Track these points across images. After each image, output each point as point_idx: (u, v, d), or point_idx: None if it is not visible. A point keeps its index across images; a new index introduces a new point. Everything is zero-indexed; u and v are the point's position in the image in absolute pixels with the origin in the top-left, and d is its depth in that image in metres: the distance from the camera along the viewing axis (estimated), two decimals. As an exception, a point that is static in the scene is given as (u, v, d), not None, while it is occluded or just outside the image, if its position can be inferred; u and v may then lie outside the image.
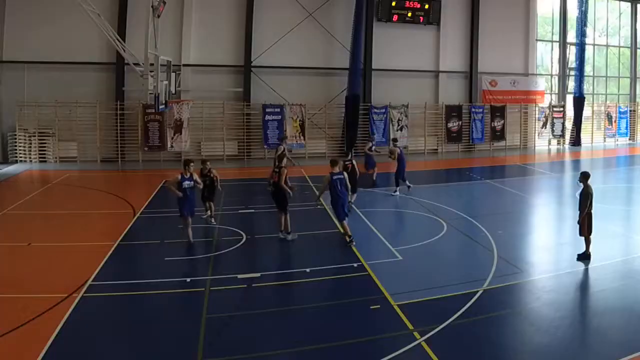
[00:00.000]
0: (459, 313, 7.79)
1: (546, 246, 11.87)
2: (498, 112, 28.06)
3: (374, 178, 17.83)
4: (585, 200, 9.97)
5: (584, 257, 10.09)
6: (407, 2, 26.15)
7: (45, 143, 22.45)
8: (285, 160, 12.28)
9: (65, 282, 8.91)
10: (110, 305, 8.42)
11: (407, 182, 16.52)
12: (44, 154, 22.45)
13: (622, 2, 32.41)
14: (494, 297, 8.53)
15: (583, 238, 10.17)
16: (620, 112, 31.66)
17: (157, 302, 8.49)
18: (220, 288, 8.88)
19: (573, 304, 8.45)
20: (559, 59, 31.18)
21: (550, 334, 7.24)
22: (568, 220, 14.21)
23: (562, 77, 31.16)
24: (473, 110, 27.61)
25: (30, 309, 7.80)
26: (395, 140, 18.19)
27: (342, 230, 11.37)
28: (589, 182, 10.09)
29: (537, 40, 29.97)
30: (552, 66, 31.60)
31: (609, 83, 33.81)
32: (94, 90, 22.70)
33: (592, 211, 10.07)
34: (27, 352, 6.65)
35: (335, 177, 11.22)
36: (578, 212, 10.16)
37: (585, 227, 10.05)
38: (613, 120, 31.59)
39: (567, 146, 30.30)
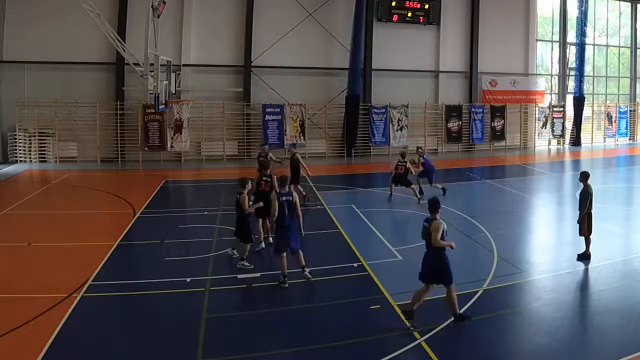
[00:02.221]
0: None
1: (546, 246, 11.87)
2: (498, 112, 28.06)
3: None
4: (584, 200, 9.97)
5: (584, 257, 10.09)
6: (407, 2, 26.15)
7: (45, 143, 22.45)
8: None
9: (65, 282, 8.91)
10: (110, 305, 8.42)
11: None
12: (44, 154, 22.45)
13: (622, 2, 32.41)
14: (494, 297, 8.54)
15: (583, 238, 10.17)
16: (620, 112, 31.67)
17: (157, 302, 8.48)
18: (220, 288, 8.88)
19: (573, 304, 8.45)
20: (559, 59, 31.19)
21: (550, 334, 7.24)
22: (568, 220, 14.20)
23: (562, 77, 31.16)
24: (473, 110, 27.60)
25: (30, 309, 7.79)
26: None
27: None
28: (589, 181, 10.09)
29: (537, 40, 29.97)
30: (552, 66, 31.60)
31: (609, 83, 33.81)
32: (94, 90, 22.69)
33: (592, 211, 10.06)
34: (27, 352, 6.65)
35: (283, 197, 9.10)
36: (578, 211, 10.16)
37: (585, 227, 10.04)
38: (613, 120, 31.59)
39: (567, 146, 30.30)
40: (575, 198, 16.31)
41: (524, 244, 12.08)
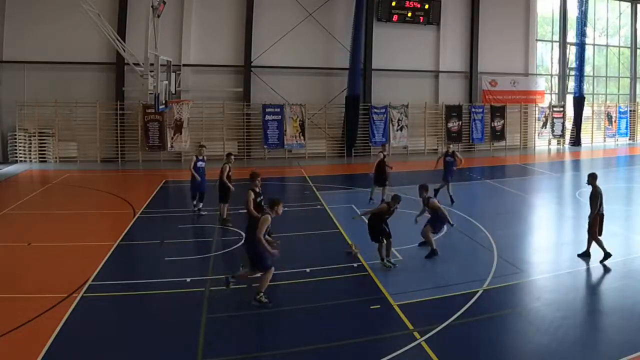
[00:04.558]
0: (459, 313, 7.78)
1: (546, 246, 11.86)
2: (498, 112, 28.08)
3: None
4: (594, 202, 9.87)
5: (585, 254, 10.07)
6: (407, 2, 26.17)
7: (45, 143, 22.47)
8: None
9: (65, 282, 8.90)
10: (110, 305, 8.42)
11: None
12: (44, 154, 22.46)
13: (622, 2, 32.42)
14: (494, 297, 8.53)
15: (587, 237, 10.08)
16: (620, 112, 31.70)
17: (157, 302, 8.48)
18: (220, 288, 8.87)
19: (573, 304, 8.43)
20: (559, 59, 31.21)
21: (550, 334, 7.24)
22: (568, 220, 14.23)
23: (562, 77, 31.18)
24: (473, 110, 27.62)
25: (30, 309, 7.79)
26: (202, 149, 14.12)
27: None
28: (597, 182, 10.00)
29: (537, 40, 29.99)
30: (552, 66, 31.62)
31: (609, 83, 33.82)
32: (94, 90, 22.72)
33: (604, 212, 9.95)
34: (27, 352, 6.65)
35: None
36: (590, 213, 10.02)
37: (595, 228, 9.91)
38: (613, 120, 31.61)
39: (567, 146, 30.31)
40: (575, 198, 16.36)
41: (524, 244, 12.07)
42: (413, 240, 11.52)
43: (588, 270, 9.75)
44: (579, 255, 10.16)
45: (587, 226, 10.13)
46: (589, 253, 10.10)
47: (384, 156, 15.35)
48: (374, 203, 14.56)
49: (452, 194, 15.42)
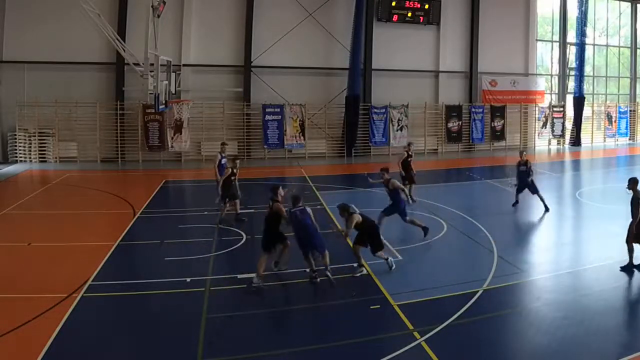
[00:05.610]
0: (459, 313, 7.78)
1: (546, 246, 11.86)
2: (498, 112, 28.08)
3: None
4: (636, 207, 9.54)
5: (632, 267, 9.53)
6: (407, 2, 26.18)
7: (45, 143, 22.47)
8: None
9: (65, 282, 8.90)
10: (110, 305, 8.42)
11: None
12: (44, 154, 22.47)
13: (622, 2, 32.42)
14: (494, 297, 8.53)
15: (627, 247, 9.67)
16: (620, 112, 31.70)
17: (157, 302, 8.49)
18: (220, 288, 8.87)
19: (573, 304, 8.42)
20: (559, 59, 31.20)
21: (550, 334, 7.23)
22: (568, 220, 14.24)
23: (562, 77, 31.18)
24: (473, 110, 27.62)
25: (30, 309, 7.78)
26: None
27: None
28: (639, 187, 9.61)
29: (537, 40, 29.99)
30: (552, 66, 31.62)
31: (609, 83, 33.83)
32: (94, 90, 22.73)
33: None
34: (27, 352, 6.65)
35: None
36: (631, 219, 9.64)
37: (632, 235, 9.54)
38: (613, 120, 31.62)
39: (567, 146, 30.32)
40: (575, 198, 16.36)
41: (524, 244, 12.07)
42: (413, 240, 11.53)
43: (588, 270, 9.75)
44: (621, 269, 9.61)
45: (627, 235, 9.62)
46: (633, 264, 9.65)
47: (408, 155, 15.45)
48: (415, 202, 14.93)
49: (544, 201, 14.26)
